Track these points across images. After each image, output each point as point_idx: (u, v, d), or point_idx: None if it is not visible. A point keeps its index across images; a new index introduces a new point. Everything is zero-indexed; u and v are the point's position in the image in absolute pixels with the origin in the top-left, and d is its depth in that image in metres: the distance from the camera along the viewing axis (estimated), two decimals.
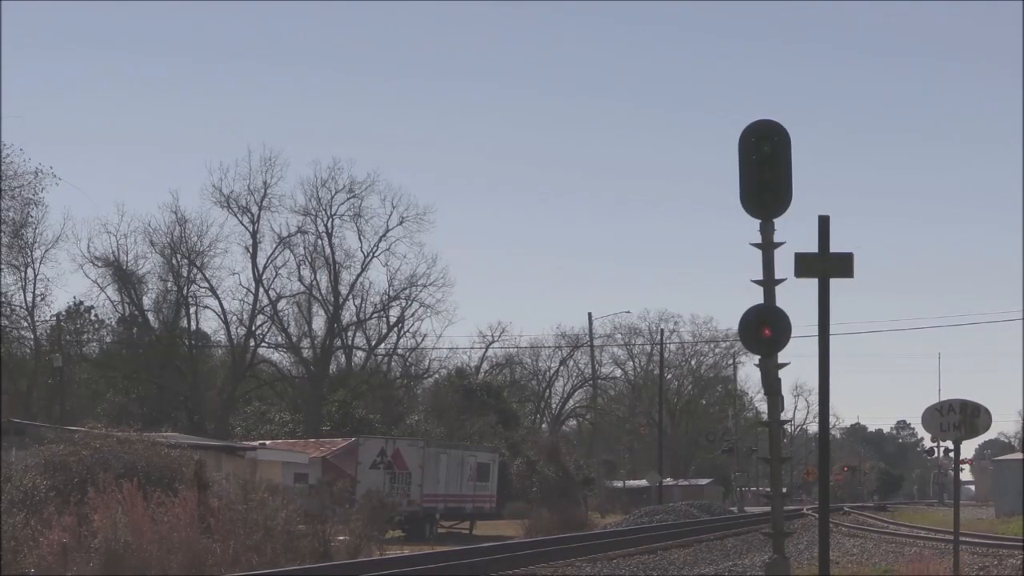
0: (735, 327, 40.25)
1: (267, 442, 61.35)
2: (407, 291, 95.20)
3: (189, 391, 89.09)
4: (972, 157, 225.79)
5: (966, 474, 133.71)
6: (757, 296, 15.17)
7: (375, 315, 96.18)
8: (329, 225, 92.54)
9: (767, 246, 15.15)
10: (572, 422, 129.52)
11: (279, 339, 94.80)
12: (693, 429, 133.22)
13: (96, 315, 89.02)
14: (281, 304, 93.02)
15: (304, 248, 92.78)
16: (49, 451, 32.54)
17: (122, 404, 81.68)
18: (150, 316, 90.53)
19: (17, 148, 70.83)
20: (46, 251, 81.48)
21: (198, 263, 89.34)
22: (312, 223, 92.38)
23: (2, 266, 76.62)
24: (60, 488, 29.98)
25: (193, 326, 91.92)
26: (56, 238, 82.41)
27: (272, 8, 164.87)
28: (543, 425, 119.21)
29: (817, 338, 15.55)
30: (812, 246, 15.52)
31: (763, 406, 40.28)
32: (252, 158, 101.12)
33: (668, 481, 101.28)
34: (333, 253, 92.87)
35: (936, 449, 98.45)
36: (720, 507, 76.66)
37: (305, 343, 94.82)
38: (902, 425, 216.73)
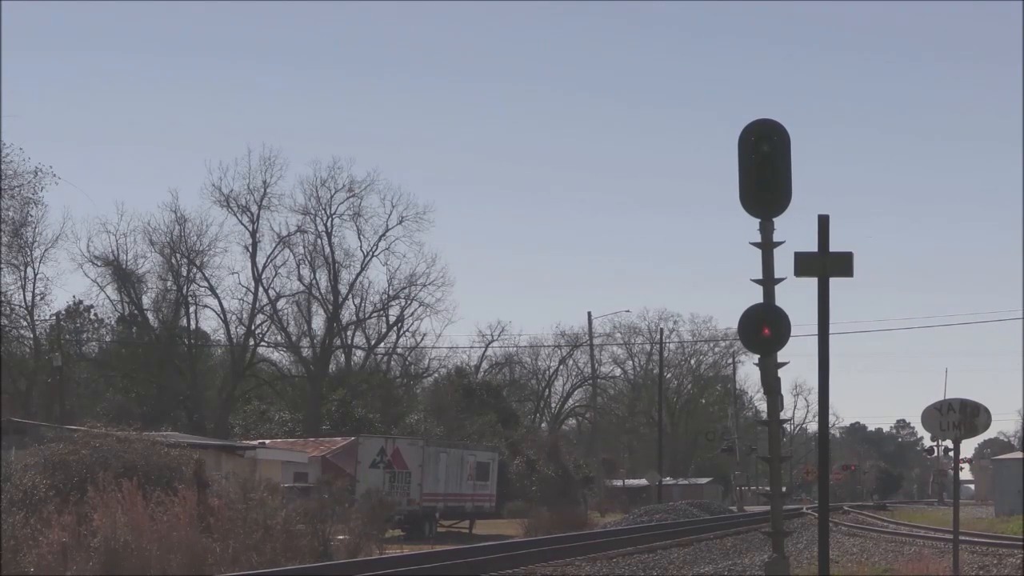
0: (734, 326, 40.26)
1: (266, 441, 61.37)
2: (406, 290, 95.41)
3: (188, 390, 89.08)
4: (972, 157, 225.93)
5: (965, 473, 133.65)
6: (757, 295, 15.18)
7: (375, 314, 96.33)
8: (329, 224, 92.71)
9: (766, 245, 15.14)
10: (572, 421, 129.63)
11: (279, 338, 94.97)
12: (693, 428, 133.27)
13: (96, 314, 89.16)
14: (281, 303, 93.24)
15: (304, 247, 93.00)
16: (49, 450, 32.50)
17: (122, 403, 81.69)
18: (150, 315, 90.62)
19: (17, 148, 70.90)
20: (46, 250, 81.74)
21: (198, 262, 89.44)
22: (312, 222, 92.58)
23: (2, 265, 76.70)
24: (60, 487, 29.94)
25: (192, 325, 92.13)
26: (56, 237, 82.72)
27: (271, 8, 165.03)
28: (543, 424, 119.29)
29: (817, 337, 15.54)
30: (812, 245, 15.51)
31: (762, 405, 40.27)
32: (252, 157, 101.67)
33: (668, 480, 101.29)
34: (333, 252, 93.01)
35: (936, 448, 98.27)
36: (720, 506, 76.62)
37: (305, 342, 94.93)
38: (902, 424, 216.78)
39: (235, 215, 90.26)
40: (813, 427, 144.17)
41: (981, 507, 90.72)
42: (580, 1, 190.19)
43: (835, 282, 15.56)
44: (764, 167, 15.05)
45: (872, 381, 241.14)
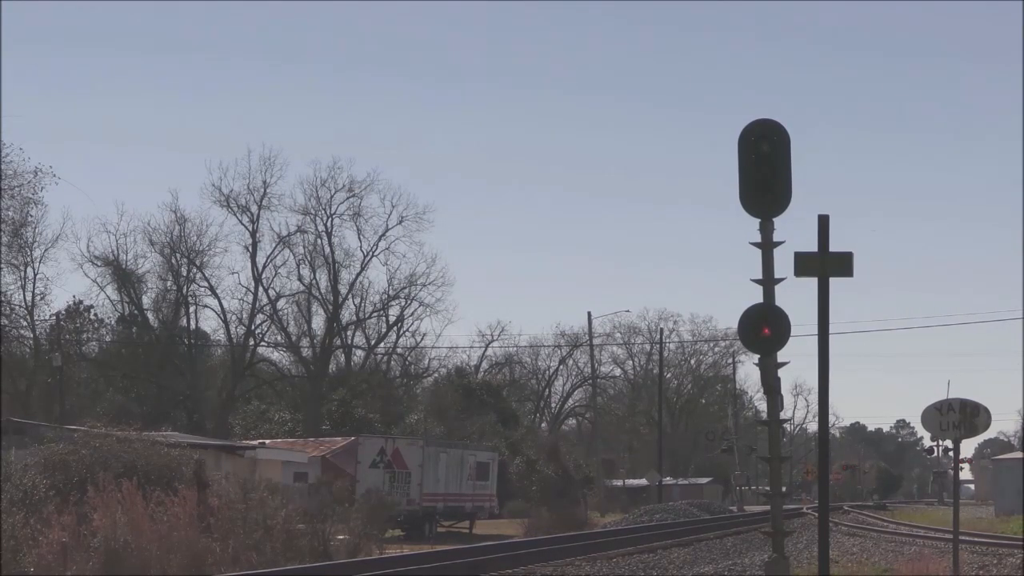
0: (734, 326, 40.24)
1: (266, 441, 61.31)
2: (406, 290, 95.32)
3: (188, 390, 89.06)
4: (972, 156, 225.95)
5: (965, 473, 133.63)
6: (757, 295, 15.17)
7: (374, 314, 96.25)
8: (329, 224, 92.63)
9: (766, 245, 15.13)
10: (572, 421, 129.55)
11: (278, 338, 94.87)
12: (693, 428, 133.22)
13: (95, 314, 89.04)
14: (280, 303, 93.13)
15: (304, 247, 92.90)
16: (49, 450, 32.50)
17: (121, 403, 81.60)
18: (149, 315, 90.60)
19: (17, 148, 70.89)
20: (46, 250, 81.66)
21: (197, 262, 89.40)
22: (312, 222, 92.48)
23: (2, 265, 76.67)
24: (60, 487, 29.94)
25: (192, 325, 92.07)
26: (56, 237, 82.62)
27: (272, 8, 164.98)
28: (543, 424, 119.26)
29: (817, 337, 15.53)
30: (812, 245, 15.51)
31: (763, 405, 40.25)
32: (252, 157, 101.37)
33: (668, 480, 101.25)
34: (333, 252, 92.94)
35: (936, 448, 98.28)
36: (720, 506, 76.64)
37: (304, 342, 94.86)
38: (902, 424, 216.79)
39: (235, 215, 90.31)
40: (813, 427, 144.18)
41: (981, 507, 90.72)
42: (580, 1, 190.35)
43: (835, 282, 15.56)
44: (764, 167, 15.04)
45: (872, 381, 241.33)
